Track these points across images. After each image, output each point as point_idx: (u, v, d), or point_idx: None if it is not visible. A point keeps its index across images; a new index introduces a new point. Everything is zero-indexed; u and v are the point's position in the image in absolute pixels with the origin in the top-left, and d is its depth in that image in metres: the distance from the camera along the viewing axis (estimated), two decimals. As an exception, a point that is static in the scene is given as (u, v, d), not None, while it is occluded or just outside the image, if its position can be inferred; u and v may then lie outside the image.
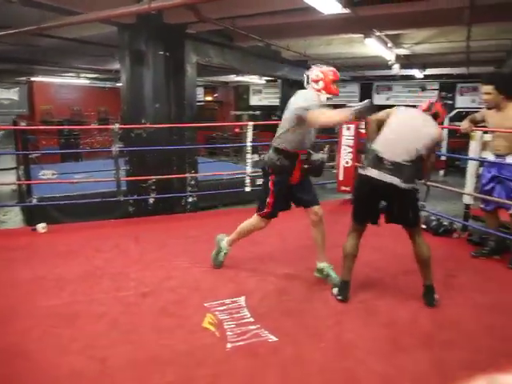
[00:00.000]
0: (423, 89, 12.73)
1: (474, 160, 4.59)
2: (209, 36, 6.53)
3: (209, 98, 17.31)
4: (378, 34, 6.17)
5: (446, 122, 10.67)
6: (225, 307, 2.85)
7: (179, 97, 6.06)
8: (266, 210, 3.18)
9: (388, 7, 4.92)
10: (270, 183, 3.12)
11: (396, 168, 2.72)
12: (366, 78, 13.74)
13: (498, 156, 3.76)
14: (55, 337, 2.50)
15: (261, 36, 6.46)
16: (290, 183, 3.14)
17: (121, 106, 6.21)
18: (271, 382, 2.11)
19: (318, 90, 3.00)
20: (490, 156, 3.93)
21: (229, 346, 2.39)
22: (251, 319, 2.68)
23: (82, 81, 13.70)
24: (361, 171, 2.91)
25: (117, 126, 4.85)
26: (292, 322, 2.67)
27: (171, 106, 6.01)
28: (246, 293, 3.06)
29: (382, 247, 4.06)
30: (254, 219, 3.29)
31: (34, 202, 6.40)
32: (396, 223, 2.96)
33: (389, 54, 7.60)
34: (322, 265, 3.28)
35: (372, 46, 6.69)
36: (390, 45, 7.05)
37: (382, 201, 2.92)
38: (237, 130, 12.12)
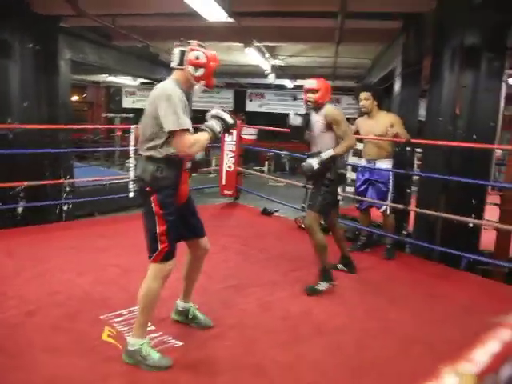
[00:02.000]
0: (295, 98, 13.68)
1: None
2: (84, 32, 6.15)
3: (76, 98, 16.15)
4: (257, 44, 6.47)
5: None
6: (122, 318, 2.73)
7: (52, 95, 5.58)
8: (161, 248, 2.23)
9: (269, 20, 5.21)
10: (153, 207, 2.22)
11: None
12: (239, 85, 14.24)
13: (369, 161, 4.21)
14: None
15: (141, 37, 6.30)
16: (177, 204, 2.33)
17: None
18: (183, 385, 2.09)
19: (196, 79, 2.26)
20: (362, 161, 4.38)
21: (134, 356, 2.30)
22: (153, 327, 2.60)
23: None
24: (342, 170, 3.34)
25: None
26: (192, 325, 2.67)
27: (42, 105, 5.50)
28: (143, 301, 2.96)
29: (266, 248, 4.29)
30: (152, 272, 2.29)
31: None
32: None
33: (266, 64, 8.01)
34: (189, 305, 2.71)
35: (251, 55, 6.99)
36: (267, 55, 7.43)
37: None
38: (118, 133, 11.60)
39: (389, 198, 4.10)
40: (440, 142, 3.93)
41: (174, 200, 2.29)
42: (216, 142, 7.91)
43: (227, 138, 5.88)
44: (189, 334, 2.55)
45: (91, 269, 3.48)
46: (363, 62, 8.41)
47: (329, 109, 3.24)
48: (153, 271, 2.29)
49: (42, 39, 5.42)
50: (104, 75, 12.20)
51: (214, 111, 2.35)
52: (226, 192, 6.02)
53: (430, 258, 4.11)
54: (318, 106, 3.28)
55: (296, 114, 3.44)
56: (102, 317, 2.72)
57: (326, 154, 3.19)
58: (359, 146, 4.56)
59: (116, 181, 6.48)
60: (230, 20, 4.74)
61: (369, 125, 4.10)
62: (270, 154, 12.70)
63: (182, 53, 2.25)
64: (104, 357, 2.29)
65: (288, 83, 11.50)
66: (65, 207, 5.79)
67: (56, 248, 3.99)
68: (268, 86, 13.67)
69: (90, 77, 13.08)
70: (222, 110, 2.36)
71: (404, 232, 4.79)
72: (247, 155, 5.94)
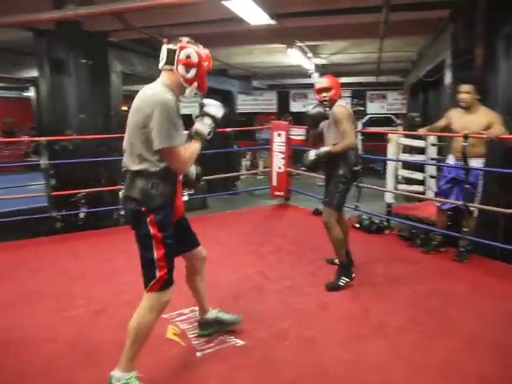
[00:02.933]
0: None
1: (393, 161, 5.01)
2: (132, 45, 6.39)
3: (126, 108, 16.76)
4: (299, 44, 6.47)
5: (360, 127, 11.44)
6: (184, 317, 2.83)
7: (105, 106, 5.85)
8: (160, 276, 2.00)
9: (311, 20, 5.20)
10: (150, 230, 1.96)
11: None
12: (282, 86, 14.27)
13: (458, 159, 3.84)
14: (5, 366, 2.32)
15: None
16: (175, 215, 2.15)
17: (32, 117, 5.84)
18: (246, 383, 2.15)
19: (188, 81, 1.98)
20: (450, 158, 4.03)
21: (198, 354, 2.40)
22: (214, 326, 2.69)
23: (-17, 90, 12.64)
24: (356, 168, 3.31)
25: (44, 138, 4.55)
26: (254, 325, 2.72)
27: (97, 117, 5.77)
28: (202, 301, 3.05)
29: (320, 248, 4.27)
30: (148, 302, 2.04)
31: None
32: None
33: (308, 64, 7.99)
34: (214, 312, 2.60)
35: (293, 56, 7.00)
36: (309, 55, 7.42)
37: None
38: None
39: (477, 199, 3.77)
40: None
41: (172, 218, 2.06)
42: (264, 144, 7.96)
43: (276, 139, 5.92)
44: (249, 334, 2.60)
45: None
46: (408, 55, 8.20)
47: (336, 106, 3.26)
48: (149, 301, 2.03)
49: (93, 54, 5.69)
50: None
51: (208, 108, 2.11)
52: (276, 193, 6.05)
53: (492, 256, 3.92)
54: (332, 104, 3.31)
55: (317, 105, 3.40)
56: (165, 316, 2.81)
57: (324, 149, 3.28)
58: (403, 141, 4.46)
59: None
60: (272, 22, 4.77)
61: (465, 120, 3.74)
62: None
63: (172, 51, 1.95)
64: (170, 354, 2.39)
65: (331, 81, 11.40)
66: (122, 212, 6.03)
67: (117, 251, 4.17)
68: (311, 86, 13.60)
69: (136, 87, 13.51)
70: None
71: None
72: (295, 156, 5.94)
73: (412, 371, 2.25)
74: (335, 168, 3.28)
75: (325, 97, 3.27)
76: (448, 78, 5.24)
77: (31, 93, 11.94)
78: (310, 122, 3.48)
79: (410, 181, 6.38)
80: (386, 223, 4.92)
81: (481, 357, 2.37)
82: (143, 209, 1.95)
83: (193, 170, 2.22)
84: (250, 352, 2.42)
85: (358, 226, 4.85)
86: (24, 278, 3.55)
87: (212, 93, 10.61)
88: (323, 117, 3.34)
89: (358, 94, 13.83)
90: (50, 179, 4.82)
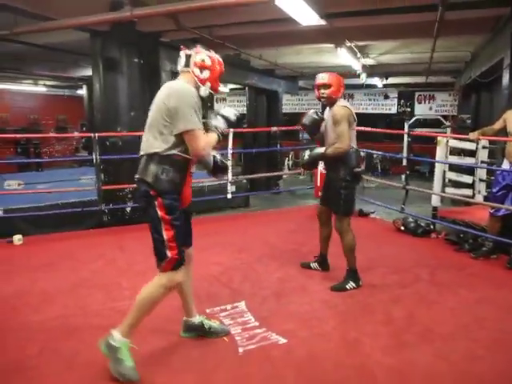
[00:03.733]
0: (386, 97, 13.24)
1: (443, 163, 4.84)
2: (182, 44, 6.52)
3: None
4: (348, 44, 6.39)
5: (406, 129, 11.16)
6: (227, 313, 2.87)
7: (155, 104, 5.99)
8: (171, 256, 2.14)
9: (362, 19, 5.11)
10: (158, 213, 2.11)
11: None
12: (327, 87, 14.11)
13: None
14: (55, 352, 2.42)
15: (235, 45, 6.53)
16: (184, 202, 2.26)
17: (83, 114, 6.06)
18: (289, 382, 2.14)
19: (202, 81, 2.21)
20: (505, 163, 3.89)
21: (240, 350, 2.41)
22: (256, 323, 2.71)
23: (40, 88, 13.23)
24: (356, 169, 3.24)
25: (96, 134, 4.73)
26: (296, 323, 2.72)
27: (147, 114, 5.91)
28: (245, 298, 3.08)
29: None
30: (160, 280, 2.20)
31: (1, 213, 6.11)
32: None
33: (356, 64, 7.87)
34: (200, 318, 2.56)
35: (342, 56, 6.91)
36: (358, 55, 7.31)
37: None
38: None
39: None
40: None
41: (179, 204, 2.18)
42: (307, 144, 7.94)
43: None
44: (292, 333, 2.59)
45: (195, 266, 3.64)
46: (461, 55, 7.90)
47: (336, 106, 3.19)
48: (161, 280, 2.18)
49: (145, 54, 5.85)
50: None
51: (223, 111, 2.34)
52: (320, 194, 5.98)
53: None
54: (331, 102, 3.24)
55: (311, 114, 3.40)
56: (208, 310, 2.87)
57: (317, 150, 3.26)
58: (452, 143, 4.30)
59: (213, 182, 6.75)
60: (323, 22, 4.73)
61: None
62: (362, 154, 12.42)
63: (188, 56, 2.24)
64: (214, 348, 2.42)
65: (378, 82, 11.17)
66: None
67: (162, 246, 4.27)
68: (357, 86, 13.39)
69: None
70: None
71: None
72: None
73: (462, 381, 2.16)
74: (335, 170, 3.27)
75: (323, 93, 3.23)
76: (506, 78, 5.01)
77: (83, 91, 12.49)
78: (308, 130, 3.47)
79: (457, 184, 6.16)
80: (432, 227, 4.77)
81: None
82: (152, 192, 2.11)
83: (218, 157, 2.44)
84: (293, 351, 2.41)
85: (402, 228, 4.74)
86: (74, 268, 3.70)
87: (258, 92, 10.74)
88: (320, 121, 3.33)
89: (406, 95, 13.47)
90: (101, 174, 4.99)
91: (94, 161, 4.77)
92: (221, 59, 2.30)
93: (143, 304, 2.17)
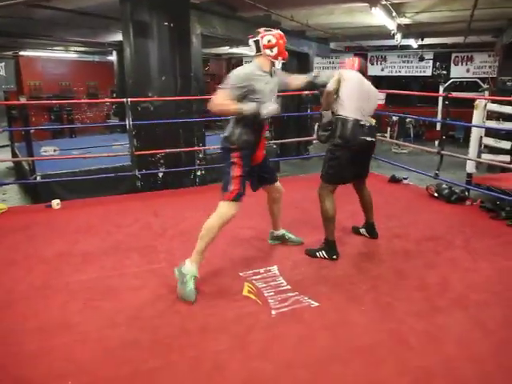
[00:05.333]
0: (422, 59, 12.71)
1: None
2: (212, 6, 6.39)
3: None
4: (383, 2, 6.11)
5: (441, 91, 10.74)
6: (260, 276, 2.91)
7: (185, 69, 5.96)
8: (233, 188, 2.72)
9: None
10: (233, 159, 2.75)
11: (370, 129, 3.16)
12: (359, 49, 13.66)
13: None
14: (97, 310, 2.54)
15: (264, 5, 6.35)
16: (254, 161, 2.89)
17: (113, 80, 6.08)
18: (322, 344, 2.18)
19: (274, 57, 2.71)
20: None
21: (273, 312, 2.46)
22: (288, 286, 2.75)
23: (71, 55, 13.33)
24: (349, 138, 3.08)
25: (128, 99, 4.76)
26: (328, 288, 2.74)
27: (177, 79, 5.91)
28: (277, 262, 3.12)
29: (396, 216, 4.15)
30: (220, 208, 2.75)
31: (39, 179, 6.33)
32: (358, 178, 3.41)
33: (391, 24, 7.55)
34: (281, 231, 3.39)
35: (377, 16, 6.63)
36: (393, 14, 6.99)
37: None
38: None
39: None
40: None
41: (250, 159, 2.82)
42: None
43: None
44: (324, 296, 2.63)
45: (228, 230, 3.66)
46: (506, 12, 7.43)
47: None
48: (221, 209, 2.74)
49: (175, 17, 5.77)
50: (225, 47, 12.59)
51: (265, 109, 2.65)
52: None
53: None
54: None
55: None
56: (241, 274, 2.93)
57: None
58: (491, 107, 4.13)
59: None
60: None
61: None
62: (394, 119, 12.11)
63: (257, 42, 2.72)
64: (247, 311, 2.48)
65: (413, 43, 10.70)
66: (198, 173, 6.25)
67: (194, 209, 4.32)
68: (391, 48, 12.89)
69: (212, 50, 13.62)
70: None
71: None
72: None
73: (498, 347, 2.15)
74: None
75: None
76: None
77: (113, 57, 12.51)
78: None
79: (494, 150, 5.94)
80: (466, 193, 4.65)
81: None
82: (233, 147, 2.76)
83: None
84: (326, 314, 2.45)
85: (436, 195, 4.63)
86: (110, 231, 3.81)
87: (289, 55, 10.46)
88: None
89: (442, 57, 12.89)
90: (133, 139, 5.05)
91: (127, 126, 4.82)
92: (281, 32, 2.76)
93: (205, 232, 2.71)
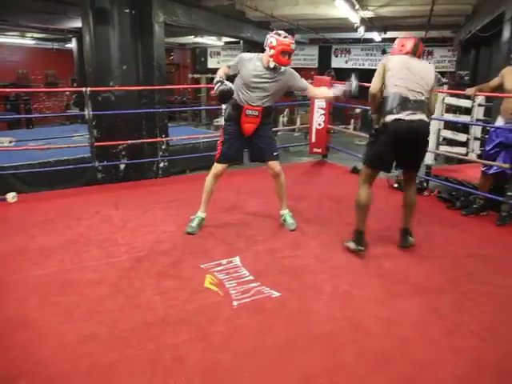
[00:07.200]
0: (384, 52, 12.93)
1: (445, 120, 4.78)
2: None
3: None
4: (347, -6, 6.17)
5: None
6: (222, 267, 2.90)
7: (148, 58, 5.84)
8: (217, 152, 3.45)
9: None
10: (221, 130, 3.48)
11: (419, 104, 2.84)
12: (323, 41, 13.76)
13: (509, 121, 3.70)
14: (55, 304, 2.46)
15: (229, -5, 6.30)
16: (242, 134, 3.39)
17: (73, 68, 5.89)
18: (282, 333, 2.20)
19: (270, 56, 3.15)
20: (499, 120, 3.87)
21: (235, 303, 2.46)
22: (251, 277, 2.76)
23: (27, 41, 12.79)
24: (389, 118, 2.85)
25: (87, 89, 4.61)
26: (290, 277, 2.77)
27: (139, 68, 5.79)
28: (239, 253, 3.12)
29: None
30: (212, 168, 3.51)
31: (-6, 171, 6.04)
32: (407, 169, 3.16)
33: (354, 17, 7.63)
34: (282, 212, 3.65)
35: (340, 8, 6.69)
36: (357, 7, 7.07)
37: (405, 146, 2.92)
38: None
39: None
40: None
41: (236, 130, 3.38)
42: (302, 100, 7.83)
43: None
44: (285, 286, 2.65)
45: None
46: (463, 8, 7.68)
47: None
48: (212, 167, 3.48)
49: (137, 4, 5.63)
50: (190, 37, 12.42)
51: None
52: (315, 150, 5.98)
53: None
54: None
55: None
56: (202, 266, 2.91)
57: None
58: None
59: (206, 139, 6.70)
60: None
61: None
62: (357, 111, 12.29)
63: (266, 38, 3.21)
64: (208, 302, 2.47)
65: (376, 36, 10.88)
66: (161, 164, 6.15)
67: (156, 202, 4.28)
68: (354, 41, 13.06)
69: (176, 39, 13.41)
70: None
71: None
72: (333, 113, 5.79)
73: (450, 330, 2.24)
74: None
75: None
76: (507, 32, 4.89)
77: (73, 44, 12.10)
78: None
79: (452, 142, 6.11)
80: (425, 184, 4.80)
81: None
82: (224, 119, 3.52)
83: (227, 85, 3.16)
84: (286, 303, 2.47)
85: (396, 186, 4.76)
86: (70, 225, 3.70)
87: (253, 46, 10.44)
88: None
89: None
90: (93, 130, 4.91)
91: (87, 116, 4.67)
92: (288, 40, 3.16)
93: (205, 187, 3.52)
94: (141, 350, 2.07)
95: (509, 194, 3.72)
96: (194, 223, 3.51)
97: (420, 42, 3.05)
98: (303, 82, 3.42)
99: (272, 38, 3.14)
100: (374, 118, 3.09)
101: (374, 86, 2.99)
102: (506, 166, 3.70)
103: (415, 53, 3.00)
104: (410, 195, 3.19)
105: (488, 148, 3.93)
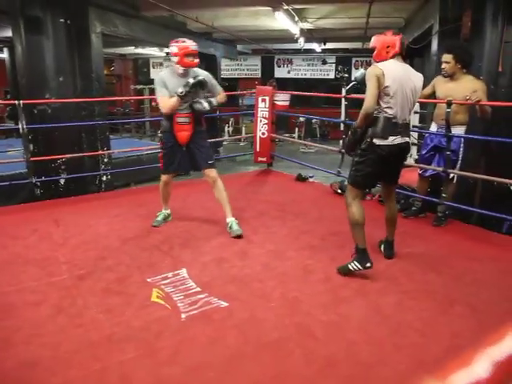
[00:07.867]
0: (324, 62, 13.36)
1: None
2: (113, 4, 6.15)
3: (105, 72, 16.31)
4: (286, 7, 6.32)
5: (343, 93, 11.37)
6: (168, 280, 2.85)
7: (86, 69, 5.67)
8: (160, 164, 3.69)
9: (298, -19, 5.07)
10: (160, 143, 3.70)
11: (405, 128, 2.88)
12: (266, 51, 14.00)
13: (441, 126, 3.88)
14: (-10, 331, 2.32)
15: (168, 5, 6.25)
16: (179, 144, 3.55)
17: (5, 80, 5.63)
18: (231, 343, 2.20)
19: (177, 63, 3.35)
20: (433, 126, 4.05)
21: (183, 316, 2.43)
22: (198, 289, 2.73)
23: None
24: (378, 141, 2.80)
25: (21, 101, 4.39)
26: (238, 287, 2.77)
27: (77, 79, 5.61)
28: (186, 265, 3.08)
29: (303, 213, 4.33)
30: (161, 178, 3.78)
31: None
32: (389, 182, 3.16)
33: (294, 28, 7.84)
34: (227, 220, 3.69)
35: (280, 20, 6.84)
36: (296, 19, 7.26)
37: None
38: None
39: (458, 166, 3.84)
40: (488, 103, 3.63)
41: (171, 140, 3.55)
42: (247, 110, 7.88)
43: (260, 104, 5.84)
44: (233, 296, 2.65)
45: (134, 236, 3.62)
46: (396, 21, 8.10)
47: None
48: (161, 178, 3.76)
49: (72, 13, 5.47)
50: (131, 47, 12.21)
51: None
52: (260, 159, 6.03)
53: (469, 221, 4.04)
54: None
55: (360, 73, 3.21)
56: (149, 280, 2.85)
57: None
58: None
59: (151, 151, 6.59)
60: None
61: (448, 87, 3.77)
62: (301, 120, 12.57)
63: (169, 50, 3.39)
64: (155, 317, 2.42)
65: (316, 47, 11.23)
66: (104, 178, 5.97)
67: (99, 216, 4.15)
68: (296, 51, 13.40)
69: (116, 50, 13.13)
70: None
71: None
72: (277, 122, 5.89)
73: (393, 329, 2.33)
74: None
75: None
76: (435, 44, 5.21)
77: (4, 54, 11.51)
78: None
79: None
80: (367, 189, 4.97)
81: (456, 315, 2.47)
82: (160, 132, 3.78)
83: (199, 106, 3.46)
84: (235, 313, 2.46)
85: (339, 191, 4.91)
86: (6, 244, 3.50)
87: (199, 57, 10.41)
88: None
89: (343, 61, 13.68)
90: (29, 144, 4.68)
91: (21, 130, 4.45)
92: (187, 44, 3.34)
93: (160, 192, 3.82)
94: (85, 370, 1.98)
95: (443, 195, 3.95)
96: (160, 217, 3.83)
97: (402, 35, 2.98)
98: (218, 84, 3.79)
99: (172, 47, 3.34)
100: (359, 132, 2.90)
101: (369, 104, 2.75)
102: (440, 168, 3.92)
103: (402, 51, 2.87)
104: (393, 207, 3.22)
105: (424, 152, 4.14)
